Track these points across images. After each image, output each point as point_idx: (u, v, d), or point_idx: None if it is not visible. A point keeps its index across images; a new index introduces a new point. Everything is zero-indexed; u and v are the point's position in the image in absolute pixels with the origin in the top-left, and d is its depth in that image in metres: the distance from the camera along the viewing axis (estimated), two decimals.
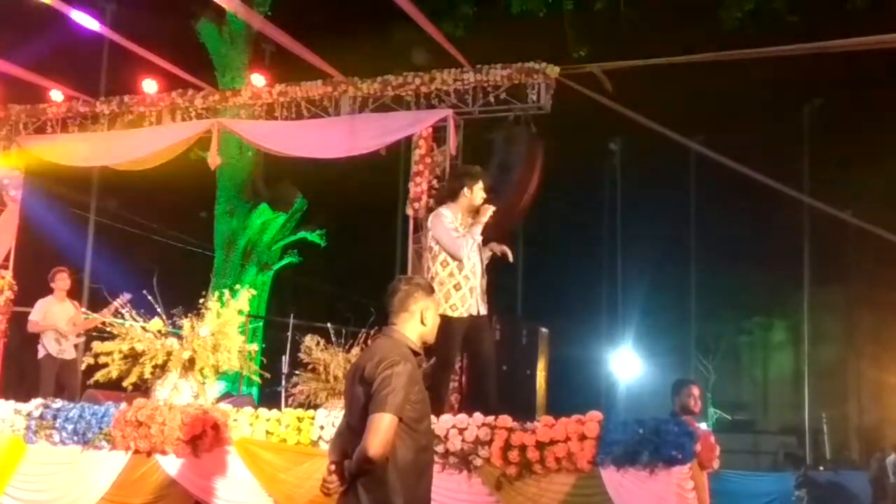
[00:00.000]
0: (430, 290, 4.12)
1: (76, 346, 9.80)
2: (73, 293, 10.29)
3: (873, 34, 8.37)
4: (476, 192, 6.91)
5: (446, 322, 6.60)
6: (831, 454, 24.58)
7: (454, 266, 6.72)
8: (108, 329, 7.39)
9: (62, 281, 9.98)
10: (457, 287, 6.70)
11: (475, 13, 14.52)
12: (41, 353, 9.75)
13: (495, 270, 7.11)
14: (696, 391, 7.42)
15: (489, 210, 6.87)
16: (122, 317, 7.50)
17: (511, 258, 7.09)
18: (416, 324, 3.99)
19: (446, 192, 7.12)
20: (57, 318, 9.74)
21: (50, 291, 9.97)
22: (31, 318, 9.85)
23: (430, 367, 6.66)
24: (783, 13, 13.78)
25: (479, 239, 6.90)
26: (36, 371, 9.92)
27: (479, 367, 7.08)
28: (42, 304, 9.88)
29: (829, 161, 24.03)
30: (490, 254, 7.02)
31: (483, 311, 6.87)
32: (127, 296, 8.28)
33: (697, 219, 25.58)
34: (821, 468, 21.34)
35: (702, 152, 10.99)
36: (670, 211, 26.04)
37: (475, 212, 6.92)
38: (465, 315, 6.71)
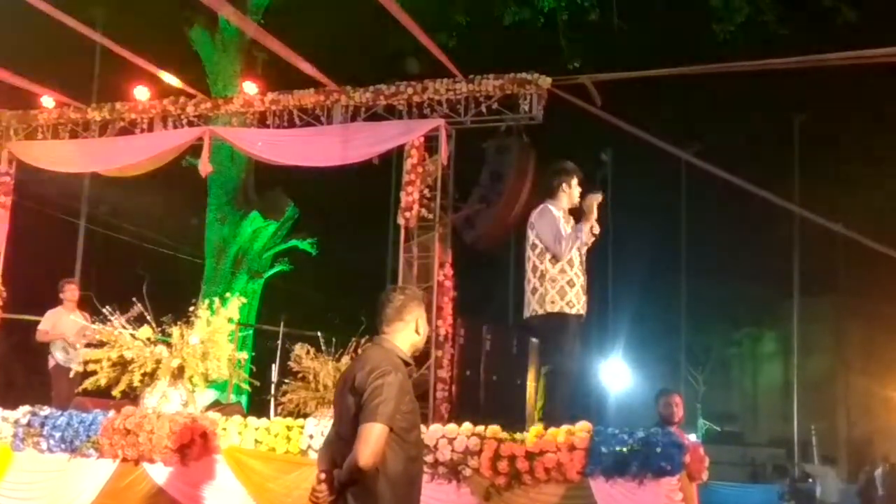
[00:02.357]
0: (422, 300, 4.13)
1: None
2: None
3: (862, 48, 8.42)
4: (574, 188, 6.83)
5: (565, 319, 6.54)
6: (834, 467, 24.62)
7: (565, 262, 6.60)
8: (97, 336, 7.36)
9: (71, 292, 9.98)
10: (570, 284, 6.60)
11: (468, 23, 14.55)
12: (51, 363, 9.75)
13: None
14: (676, 400, 7.42)
15: (595, 202, 6.69)
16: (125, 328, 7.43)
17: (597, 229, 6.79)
18: (409, 333, 3.99)
19: (543, 191, 6.96)
20: (66, 328, 9.71)
21: (58, 302, 9.95)
22: (39, 327, 9.86)
23: (548, 373, 6.57)
24: (774, 27, 13.87)
25: (586, 238, 6.76)
26: (26, 379, 9.89)
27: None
28: (51, 314, 9.88)
29: (819, 173, 24.16)
30: (587, 247, 6.84)
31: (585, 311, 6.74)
32: (137, 309, 8.21)
33: (688, 230, 25.68)
34: (809, 480, 21.40)
35: (693, 163, 11.03)
36: (661, 222, 26.11)
37: (576, 208, 6.82)
38: (581, 313, 6.64)
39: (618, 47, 14.61)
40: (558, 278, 6.60)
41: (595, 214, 6.73)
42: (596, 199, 6.75)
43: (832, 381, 29.86)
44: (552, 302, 6.56)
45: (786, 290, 24.80)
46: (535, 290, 6.66)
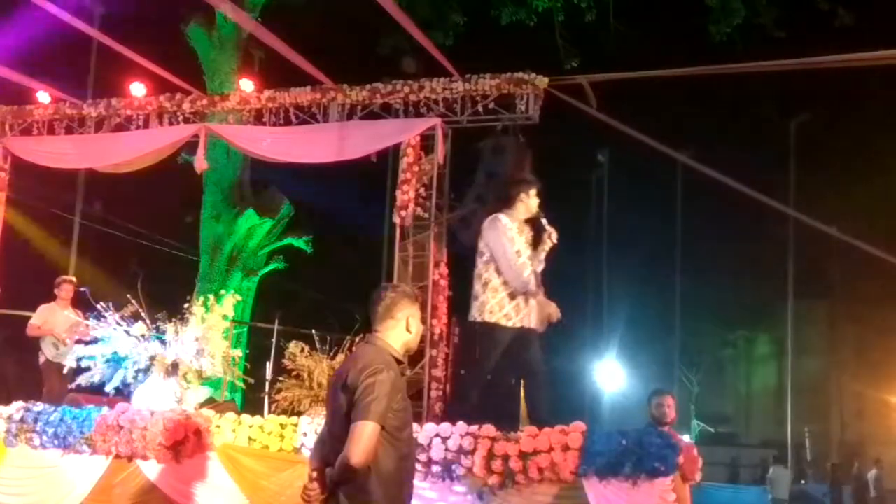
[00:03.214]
0: (415, 298, 4.11)
1: None
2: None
3: (859, 51, 8.43)
4: (532, 198, 6.84)
5: (495, 330, 6.60)
6: (812, 468, 24.69)
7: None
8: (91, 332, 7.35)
9: (66, 290, 9.93)
10: (511, 296, 6.63)
11: (465, 23, 14.55)
12: (41, 359, 9.72)
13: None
14: (668, 401, 7.38)
15: (554, 236, 6.84)
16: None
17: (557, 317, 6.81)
18: (401, 331, 3.98)
19: (501, 199, 6.99)
20: (57, 324, 9.68)
21: (52, 298, 9.92)
22: (31, 322, 9.82)
23: (466, 371, 6.60)
24: (771, 29, 13.88)
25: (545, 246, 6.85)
26: (20, 374, 9.83)
27: (528, 382, 6.89)
28: (44, 309, 9.84)
29: (815, 176, 24.22)
30: (545, 253, 6.90)
31: (536, 324, 6.76)
32: (132, 306, 8.18)
33: (683, 232, 25.75)
34: (802, 482, 21.47)
35: (689, 165, 11.02)
36: (656, 224, 26.16)
37: (533, 217, 6.86)
38: (518, 325, 6.65)
39: (614, 48, 14.62)
40: (500, 289, 6.65)
41: (548, 248, 6.86)
42: (554, 236, 6.86)
43: (826, 383, 29.93)
44: (490, 312, 6.63)
45: (780, 293, 24.87)
46: (476, 296, 6.74)
